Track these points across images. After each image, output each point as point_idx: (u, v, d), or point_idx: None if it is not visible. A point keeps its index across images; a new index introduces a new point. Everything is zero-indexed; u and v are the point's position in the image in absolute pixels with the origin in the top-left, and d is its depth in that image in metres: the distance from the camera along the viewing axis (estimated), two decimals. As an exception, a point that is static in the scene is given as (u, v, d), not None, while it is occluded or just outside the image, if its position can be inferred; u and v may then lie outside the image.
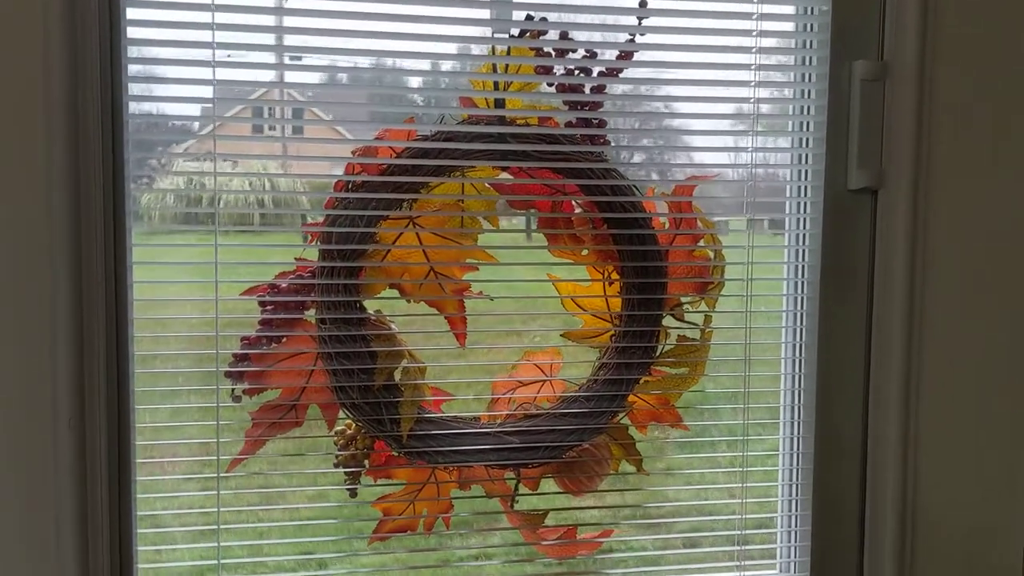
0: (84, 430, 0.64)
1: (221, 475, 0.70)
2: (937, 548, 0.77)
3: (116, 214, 0.66)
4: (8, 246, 0.64)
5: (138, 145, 0.68)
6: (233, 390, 0.71)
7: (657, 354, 0.75)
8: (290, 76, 0.74)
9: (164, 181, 0.75)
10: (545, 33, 0.72)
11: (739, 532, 0.79)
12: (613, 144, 0.73)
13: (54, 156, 0.63)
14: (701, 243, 0.76)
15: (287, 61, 0.72)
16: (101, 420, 0.65)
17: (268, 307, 0.71)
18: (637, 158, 0.77)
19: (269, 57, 0.71)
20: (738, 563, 0.80)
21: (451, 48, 0.74)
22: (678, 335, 0.76)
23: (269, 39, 0.69)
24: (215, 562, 0.71)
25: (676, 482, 0.81)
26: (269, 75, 0.76)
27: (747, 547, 0.80)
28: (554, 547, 0.76)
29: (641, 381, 0.75)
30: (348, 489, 0.74)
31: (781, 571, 0.81)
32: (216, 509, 0.70)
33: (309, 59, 0.73)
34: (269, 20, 0.71)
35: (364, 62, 0.74)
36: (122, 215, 0.67)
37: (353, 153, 0.71)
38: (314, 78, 0.73)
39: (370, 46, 0.70)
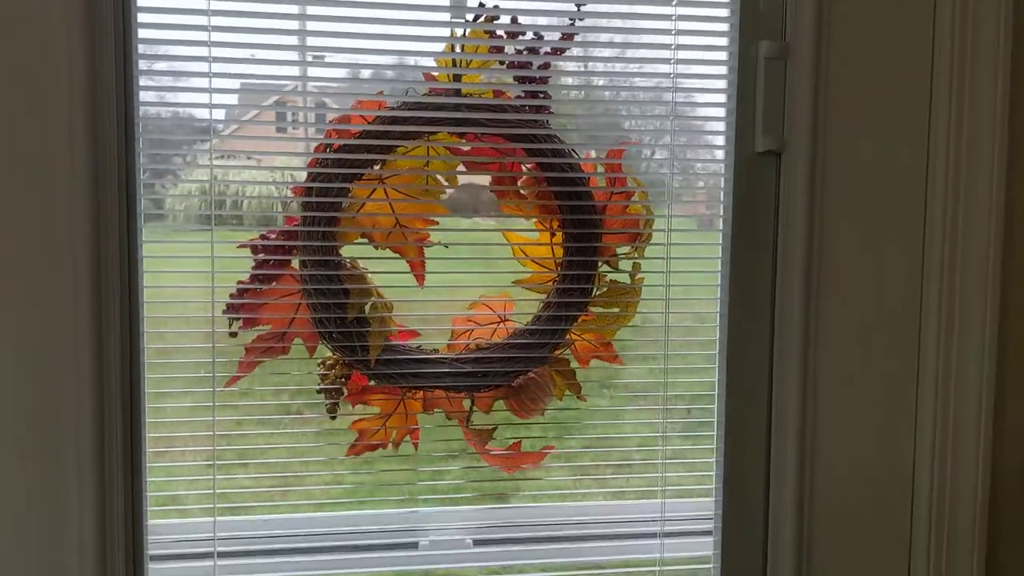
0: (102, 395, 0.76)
1: (218, 390, 0.82)
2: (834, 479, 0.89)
3: (130, 212, 0.78)
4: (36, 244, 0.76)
5: (150, 144, 0.80)
6: (231, 325, 0.83)
7: (593, 294, 0.87)
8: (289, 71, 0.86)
9: (175, 185, 0.87)
10: (498, 18, 0.84)
11: (661, 461, 0.92)
12: (555, 113, 0.85)
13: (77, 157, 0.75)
14: (635, 199, 0.88)
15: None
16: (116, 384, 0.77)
17: (259, 253, 0.84)
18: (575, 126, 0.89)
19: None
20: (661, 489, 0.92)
21: (417, 31, 0.86)
22: (611, 280, 0.88)
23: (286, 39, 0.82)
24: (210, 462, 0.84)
25: (609, 414, 0.93)
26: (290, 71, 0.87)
27: (668, 474, 0.92)
28: (501, 459, 0.88)
29: (580, 320, 0.88)
30: (329, 412, 0.86)
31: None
32: (212, 433, 0.83)
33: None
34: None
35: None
36: (135, 213, 0.79)
37: (330, 121, 0.83)
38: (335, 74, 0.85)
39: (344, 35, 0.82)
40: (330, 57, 0.85)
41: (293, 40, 0.81)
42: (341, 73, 0.86)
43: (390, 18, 0.81)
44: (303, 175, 0.83)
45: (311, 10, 0.81)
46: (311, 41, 0.81)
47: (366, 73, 0.86)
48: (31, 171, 0.75)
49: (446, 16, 0.84)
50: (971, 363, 0.86)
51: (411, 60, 0.85)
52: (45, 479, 0.77)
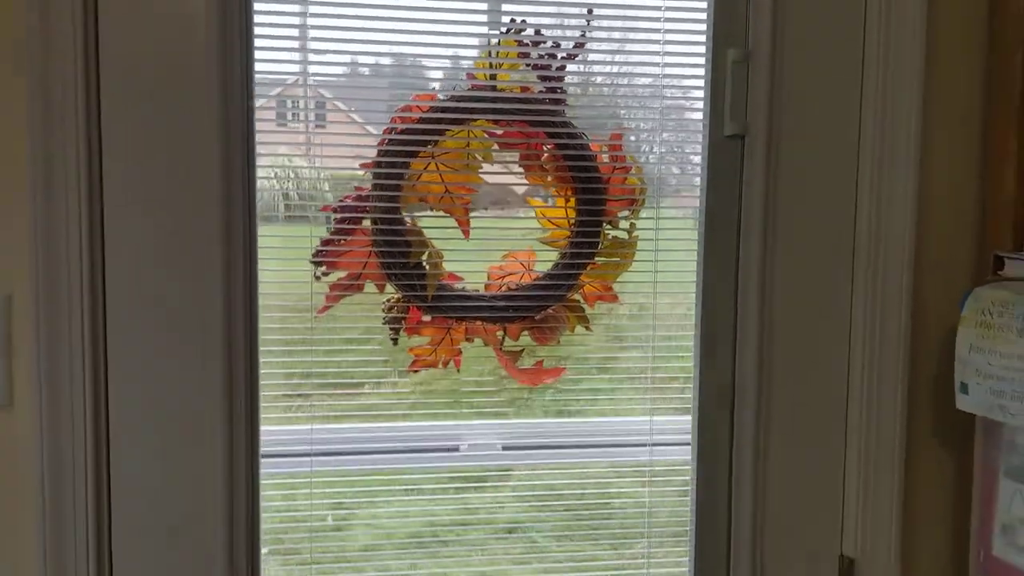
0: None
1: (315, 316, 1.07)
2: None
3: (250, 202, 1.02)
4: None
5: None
6: (316, 270, 1.07)
7: (598, 248, 1.12)
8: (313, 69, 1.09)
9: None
10: (524, 30, 1.08)
11: (650, 381, 1.16)
12: (569, 105, 1.09)
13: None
14: (632, 174, 1.12)
15: (309, 55, 1.06)
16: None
17: (337, 212, 1.08)
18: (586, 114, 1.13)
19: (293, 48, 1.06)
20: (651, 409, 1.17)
21: (462, 40, 1.09)
22: (613, 236, 1.12)
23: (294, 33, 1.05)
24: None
25: (612, 341, 1.17)
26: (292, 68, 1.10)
27: (655, 396, 1.16)
28: (526, 374, 1.13)
29: (588, 268, 1.12)
30: (392, 339, 1.11)
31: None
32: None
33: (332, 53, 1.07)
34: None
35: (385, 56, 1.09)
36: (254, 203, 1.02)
37: (395, 110, 1.08)
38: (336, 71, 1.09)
39: (392, 41, 1.05)
40: (394, 61, 1.09)
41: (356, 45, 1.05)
42: (402, 73, 1.11)
43: (443, 31, 1.05)
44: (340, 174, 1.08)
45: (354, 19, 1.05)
46: (380, 48, 1.05)
47: (422, 72, 1.10)
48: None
49: (484, 28, 1.08)
50: (891, 319, 1.09)
51: (458, 63, 1.09)
52: (189, 411, 1.00)
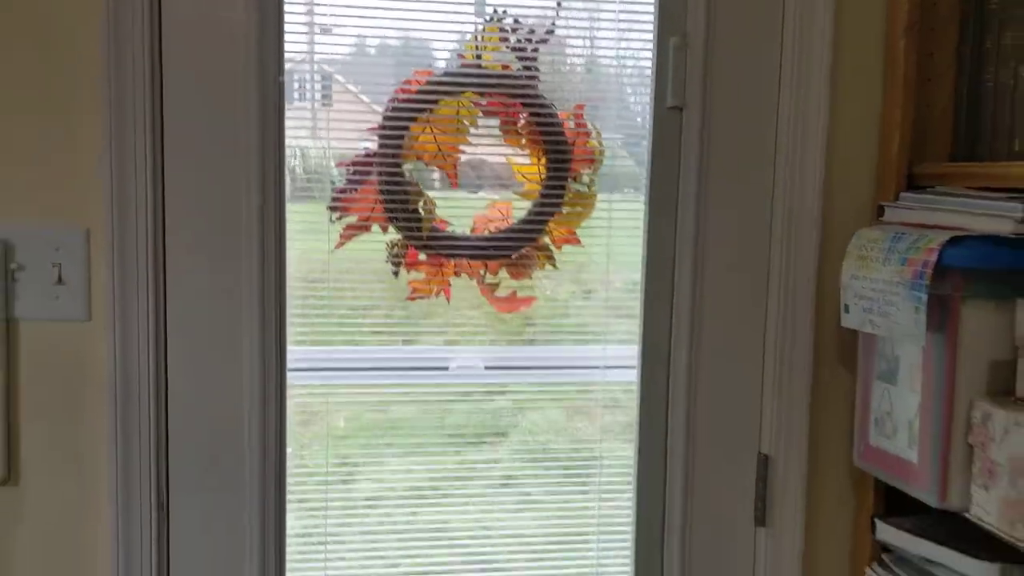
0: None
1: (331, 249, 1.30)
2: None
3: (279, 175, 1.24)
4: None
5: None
6: (331, 214, 1.31)
7: (564, 200, 1.36)
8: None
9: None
10: (504, 19, 1.31)
11: (605, 314, 1.40)
12: (541, 81, 1.33)
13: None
14: (592, 139, 1.36)
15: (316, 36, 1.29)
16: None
17: (350, 168, 1.31)
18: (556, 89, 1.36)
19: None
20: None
21: (454, 27, 1.32)
22: (576, 190, 1.36)
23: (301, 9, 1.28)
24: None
25: (583, 277, 1.42)
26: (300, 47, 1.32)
27: (609, 330, 1.41)
28: (503, 303, 1.37)
29: (555, 216, 1.36)
30: (393, 272, 1.35)
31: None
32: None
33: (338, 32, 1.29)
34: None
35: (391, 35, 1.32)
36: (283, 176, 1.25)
37: (400, 82, 1.31)
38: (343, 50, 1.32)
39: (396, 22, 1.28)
40: (396, 43, 1.32)
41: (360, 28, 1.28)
42: (404, 52, 1.34)
43: (438, 19, 1.28)
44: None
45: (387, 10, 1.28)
46: (382, 32, 1.28)
47: (420, 52, 1.33)
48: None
49: (472, 17, 1.31)
50: (803, 263, 1.33)
51: (450, 44, 1.33)
52: (229, 330, 1.24)
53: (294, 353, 1.31)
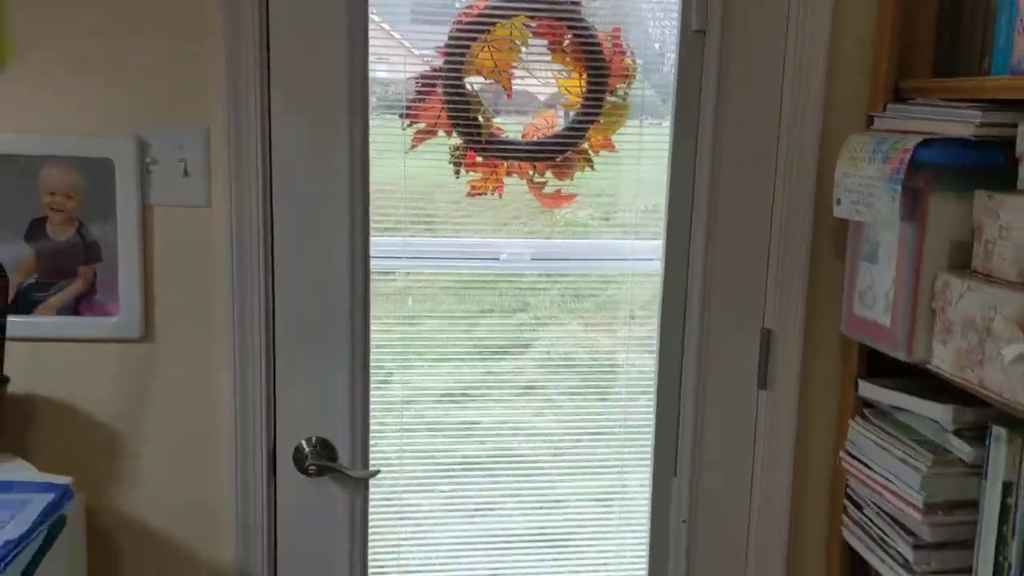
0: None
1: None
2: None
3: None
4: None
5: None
6: (403, 122, 1.54)
7: (601, 110, 1.59)
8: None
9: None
10: (552, -49, 1.53)
11: (635, 213, 1.64)
12: (584, 6, 1.55)
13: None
14: (627, 57, 1.58)
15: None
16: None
17: (419, 81, 1.54)
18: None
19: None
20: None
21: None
22: (611, 102, 1.59)
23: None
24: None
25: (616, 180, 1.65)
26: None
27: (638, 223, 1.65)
28: (549, 198, 1.61)
29: (593, 124, 1.59)
30: (454, 172, 1.59)
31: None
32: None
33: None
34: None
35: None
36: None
37: (463, 6, 1.53)
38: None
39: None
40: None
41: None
42: None
43: (497, -47, 1.50)
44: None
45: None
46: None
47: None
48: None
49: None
50: (805, 165, 1.56)
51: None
52: (323, 221, 1.49)
53: (375, 241, 1.56)
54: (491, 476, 1.71)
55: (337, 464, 1.55)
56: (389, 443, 1.66)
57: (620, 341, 1.71)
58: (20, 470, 1.32)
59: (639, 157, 1.62)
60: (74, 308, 1.44)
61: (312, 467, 1.54)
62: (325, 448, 1.55)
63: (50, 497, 1.21)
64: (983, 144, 1.24)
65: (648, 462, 1.68)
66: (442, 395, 1.69)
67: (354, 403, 1.54)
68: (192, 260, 1.46)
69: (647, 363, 1.68)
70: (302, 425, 1.54)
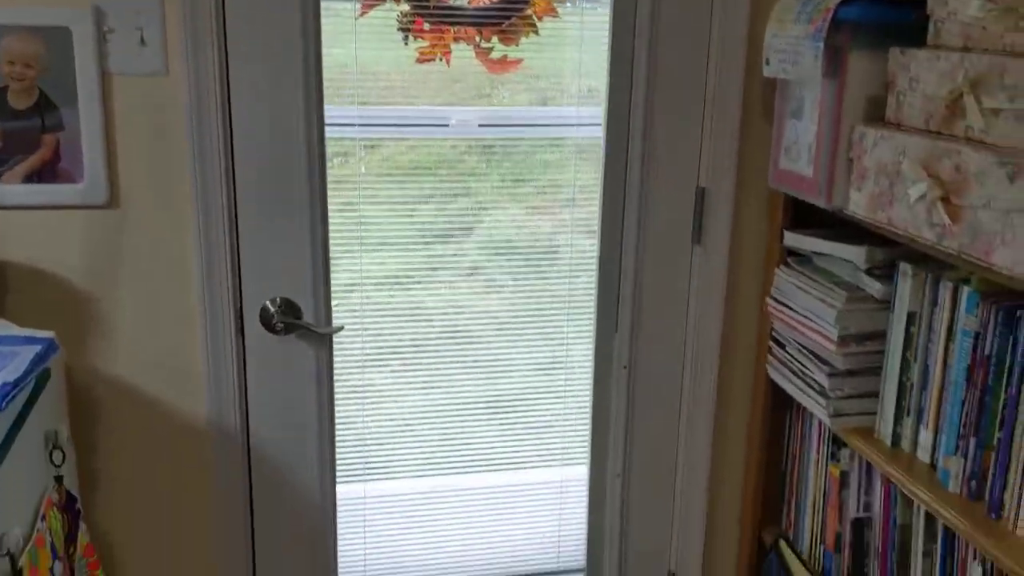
0: None
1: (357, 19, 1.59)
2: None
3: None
4: None
5: None
6: (352, -10, 1.59)
7: (545, -23, 1.65)
8: None
9: None
10: None
11: (578, 76, 1.72)
12: None
13: None
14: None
15: None
16: None
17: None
18: None
19: None
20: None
21: None
22: (555, -31, 1.65)
23: None
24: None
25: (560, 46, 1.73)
26: None
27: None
28: (494, 65, 1.68)
29: (538, -8, 1.66)
30: (402, 40, 1.64)
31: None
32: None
33: None
34: None
35: None
36: None
37: None
38: None
39: None
40: None
41: None
42: None
43: None
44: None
45: None
46: None
47: None
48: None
49: None
50: (734, 57, 1.65)
51: None
52: (276, 81, 1.54)
53: (328, 110, 1.62)
54: (440, 353, 1.82)
55: (303, 322, 1.65)
56: (342, 323, 1.75)
57: (563, 223, 1.80)
58: (1, 328, 1.40)
59: (581, 24, 1.69)
60: (40, 176, 1.49)
61: (279, 324, 1.64)
62: (290, 308, 1.65)
63: (37, 348, 1.29)
64: (898, 3, 1.35)
65: (591, 330, 1.81)
66: (387, 279, 1.78)
67: (315, 264, 1.63)
68: (153, 127, 1.51)
69: (589, 244, 1.78)
70: (267, 286, 1.63)
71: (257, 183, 1.57)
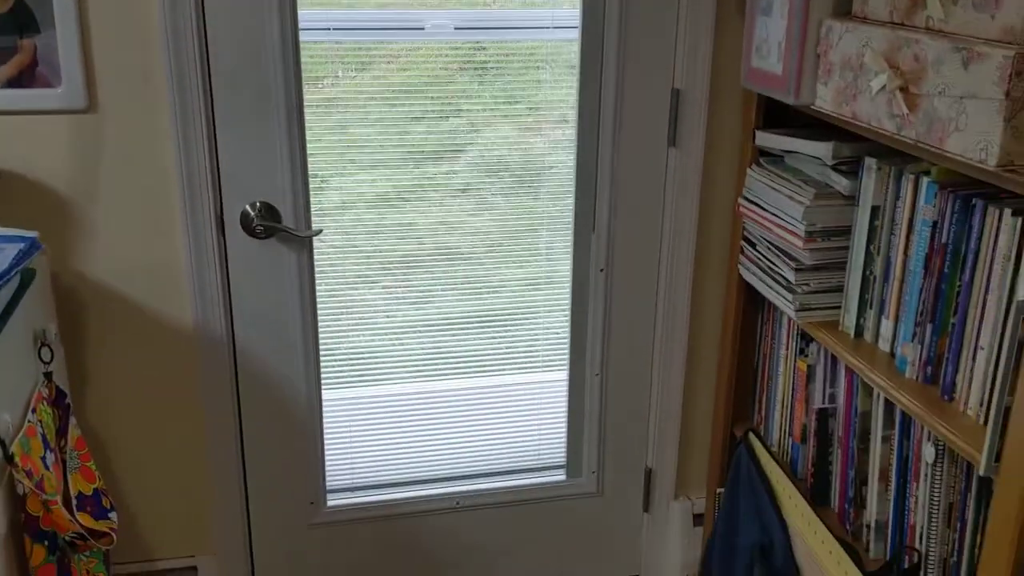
0: None
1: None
2: None
3: None
4: None
5: None
6: None
7: None
8: None
9: None
10: None
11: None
12: None
13: None
14: None
15: None
16: None
17: None
18: None
19: None
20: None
21: None
22: None
23: None
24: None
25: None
26: None
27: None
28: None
29: None
30: (377, -59, 1.64)
31: None
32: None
33: None
34: None
35: None
36: None
37: None
38: None
39: None
40: None
41: None
42: None
43: None
44: None
45: None
46: None
47: None
48: None
49: None
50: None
51: None
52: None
53: (303, 15, 1.63)
54: (430, 270, 1.85)
55: (283, 225, 1.68)
56: (331, 244, 1.78)
57: (548, 142, 1.81)
58: (-15, 229, 1.43)
59: None
60: (19, 82, 1.50)
61: (259, 228, 1.67)
62: (270, 212, 1.68)
63: (20, 245, 1.32)
64: None
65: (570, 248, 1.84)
66: (378, 198, 1.79)
67: (294, 168, 1.65)
68: (129, 32, 1.52)
69: (572, 161, 1.80)
70: (247, 191, 1.66)
71: (232, 87, 1.59)
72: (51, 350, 1.41)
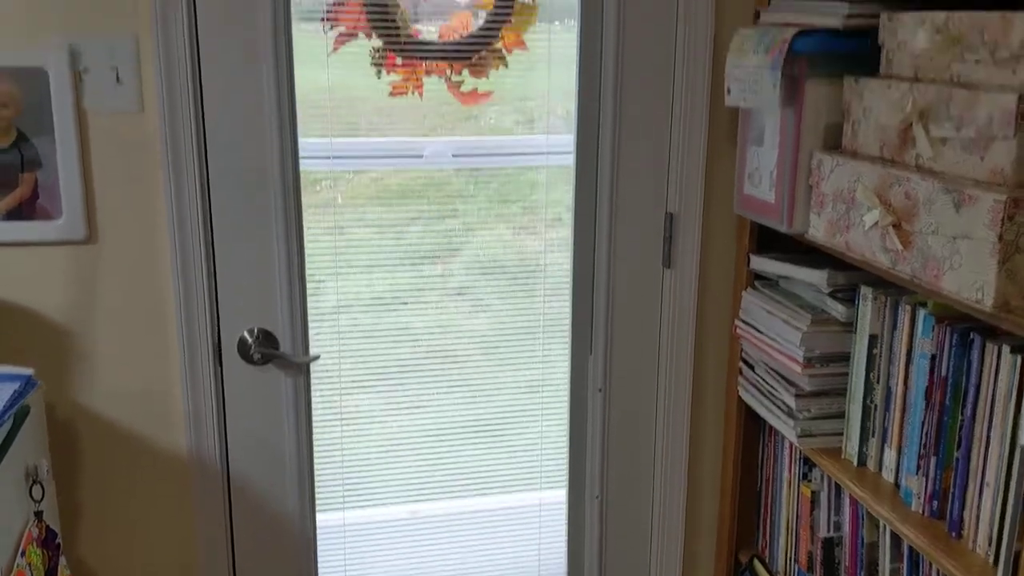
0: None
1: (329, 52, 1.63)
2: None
3: None
4: None
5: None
6: (324, 25, 1.62)
7: (512, 11, 1.69)
8: None
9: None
10: None
11: (547, 113, 1.76)
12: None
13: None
14: (534, -39, 1.68)
15: None
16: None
17: (339, -13, 1.62)
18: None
19: None
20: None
21: None
22: (520, 2, 1.69)
23: None
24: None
25: (529, 78, 1.76)
26: None
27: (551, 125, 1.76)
28: (466, 97, 1.72)
29: (505, 24, 1.69)
30: (375, 74, 1.68)
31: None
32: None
33: None
34: None
35: None
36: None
37: (375, -85, 1.60)
38: None
39: None
40: None
41: None
42: None
43: None
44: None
45: None
46: None
47: None
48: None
49: None
50: (698, 63, 1.69)
51: None
52: (251, 113, 1.57)
53: (302, 143, 1.66)
54: (425, 375, 1.84)
55: (281, 351, 1.68)
56: (325, 349, 1.77)
57: (543, 243, 1.83)
58: (-20, 365, 1.42)
59: (549, 56, 1.73)
60: (19, 214, 1.52)
61: (257, 355, 1.66)
62: (267, 338, 1.68)
63: (16, 385, 1.31)
64: (852, 33, 1.39)
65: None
66: (375, 301, 1.80)
67: (292, 295, 1.66)
68: (130, 163, 1.54)
69: (567, 262, 1.81)
70: (244, 318, 1.66)
71: (232, 216, 1.60)
72: (42, 487, 1.39)
